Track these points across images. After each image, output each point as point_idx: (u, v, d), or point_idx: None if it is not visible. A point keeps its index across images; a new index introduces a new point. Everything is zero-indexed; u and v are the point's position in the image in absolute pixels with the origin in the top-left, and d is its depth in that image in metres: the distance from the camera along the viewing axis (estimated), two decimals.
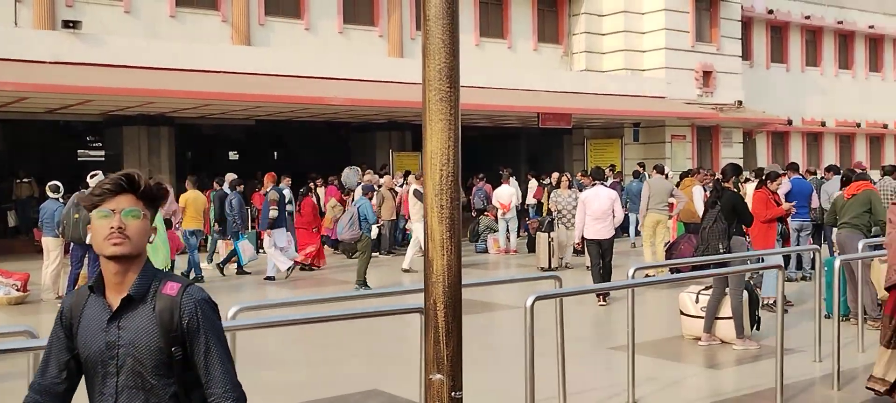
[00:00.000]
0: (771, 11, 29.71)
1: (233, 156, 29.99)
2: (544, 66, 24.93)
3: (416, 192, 15.22)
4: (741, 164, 25.93)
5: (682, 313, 8.59)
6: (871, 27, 32.81)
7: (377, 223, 13.79)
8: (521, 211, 19.68)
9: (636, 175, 19.04)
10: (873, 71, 33.62)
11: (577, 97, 22.80)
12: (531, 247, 16.36)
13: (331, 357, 7.99)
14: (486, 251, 17.62)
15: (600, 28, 25.85)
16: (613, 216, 10.88)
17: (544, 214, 17.25)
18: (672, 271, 10.07)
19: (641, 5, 25.61)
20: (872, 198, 9.34)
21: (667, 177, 15.48)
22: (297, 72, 18.82)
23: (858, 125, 32.72)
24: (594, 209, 10.80)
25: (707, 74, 26.10)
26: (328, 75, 19.15)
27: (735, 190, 9.02)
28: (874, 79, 33.60)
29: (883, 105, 33.44)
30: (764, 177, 10.32)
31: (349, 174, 18.27)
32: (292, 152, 27.83)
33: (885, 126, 33.63)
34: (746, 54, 28.84)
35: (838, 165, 18.52)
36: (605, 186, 11.94)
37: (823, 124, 31.55)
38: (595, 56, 25.77)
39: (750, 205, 9.20)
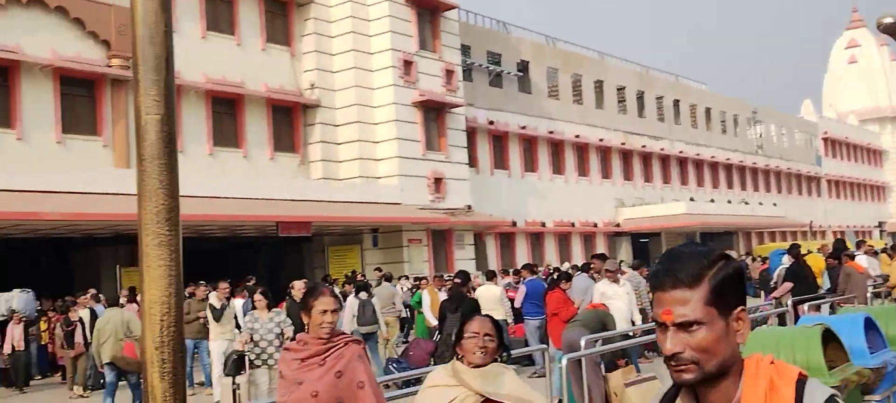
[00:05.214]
0: (492, 122, 32.13)
1: None
2: (282, 175, 24.85)
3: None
4: (475, 265, 27.38)
5: None
6: (577, 136, 36.56)
7: None
8: None
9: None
10: (581, 175, 37.31)
11: (316, 205, 22.90)
12: None
13: None
14: None
15: (336, 138, 26.38)
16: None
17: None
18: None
19: (373, 116, 26.57)
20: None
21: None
22: (8, 185, 17.11)
23: (573, 224, 35.93)
24: None
25: (438, 181, 27.46)
26: (44, 188, 17.61)
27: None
28: (583, 182, 37.26)
29: (591, 205, 37.09)
30: (556, 278, 10.96)
31: None
32: (3, 273, 25.02)
33: (595, 224, 37.23)
34: (472, 162, 30.81)
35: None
36: None
37: (544, 225, 34.28)
38: (332, 164, 26.17)
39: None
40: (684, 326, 1.62)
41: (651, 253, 37.48)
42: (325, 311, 3.78)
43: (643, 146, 40.74)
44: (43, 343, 16.78)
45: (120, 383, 11.61)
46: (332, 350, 3.78)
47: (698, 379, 1.63)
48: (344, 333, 3.98)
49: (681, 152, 43.56)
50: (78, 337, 14.39)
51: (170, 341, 1.96)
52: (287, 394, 3.76)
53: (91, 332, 13.49)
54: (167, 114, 2.06)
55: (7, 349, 15.43)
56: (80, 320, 14.60)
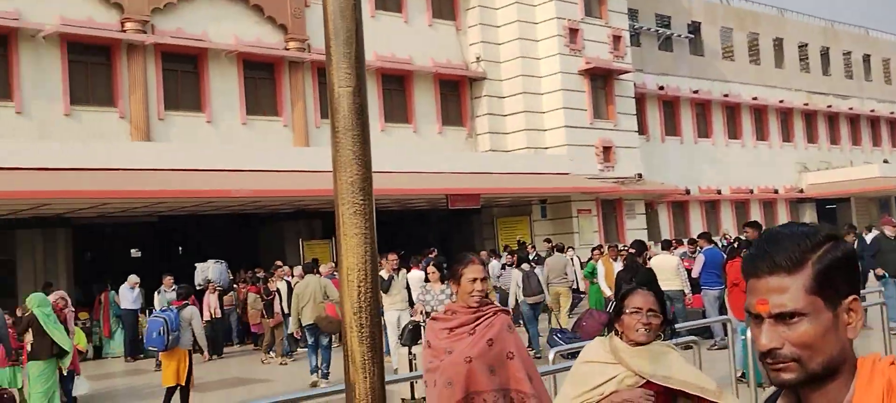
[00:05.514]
0: (662, 88, 31.06)
1: (135, 254, 28.94)
2: (450, 148, 25.22)
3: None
4: (646, 234, 26.71)
5: None
6: (755, 99, 34.69)
7: None
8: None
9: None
10: (760, 139, 35.40)
11: (484, 177, 23.08)
12: None
13: None
14: None
15: (502, 109, 26.44)
16: None
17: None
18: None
19: (540, 86, 26.38)
20: None
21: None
22: (200, 165, 18.43)
23: (751, 191, 34.22)
24: None
25: (607, 150, 26.91)
26: (232, 167, 18.82)
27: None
28: (761, 146, 35.35)
29: (771, 171, 35.16)
30: (736, 247, 10.61)
31: None
32: (198, 247, 27.07)
33: (776, 190, 35.28)
34: (642, 129, 29.94)
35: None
36: None
37: (719, 192, 32.87)
38: (499, 136, 26.27)
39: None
40: (782, 318, 1.38)
41: (839, 219, 35.08)
42: (474, 279, 3.69)
43: (829, 106, 38.09)
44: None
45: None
46: (481, 320, 3.69)
47: (800, 380, 1.38)
48: (491, 303, 3.91)
49: (872, 111, 40.38)
50: (276, 308, 15.29)
51: (367, 306, 2.02)
52: (436, 362, 3.68)
53: (287, 303, 14.32)
54: (358, 86, 2.10)
55: (206, 317, 16.66)
56: (278, 291, 15.49)
